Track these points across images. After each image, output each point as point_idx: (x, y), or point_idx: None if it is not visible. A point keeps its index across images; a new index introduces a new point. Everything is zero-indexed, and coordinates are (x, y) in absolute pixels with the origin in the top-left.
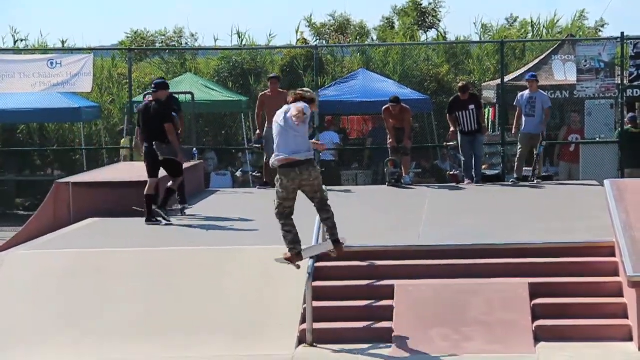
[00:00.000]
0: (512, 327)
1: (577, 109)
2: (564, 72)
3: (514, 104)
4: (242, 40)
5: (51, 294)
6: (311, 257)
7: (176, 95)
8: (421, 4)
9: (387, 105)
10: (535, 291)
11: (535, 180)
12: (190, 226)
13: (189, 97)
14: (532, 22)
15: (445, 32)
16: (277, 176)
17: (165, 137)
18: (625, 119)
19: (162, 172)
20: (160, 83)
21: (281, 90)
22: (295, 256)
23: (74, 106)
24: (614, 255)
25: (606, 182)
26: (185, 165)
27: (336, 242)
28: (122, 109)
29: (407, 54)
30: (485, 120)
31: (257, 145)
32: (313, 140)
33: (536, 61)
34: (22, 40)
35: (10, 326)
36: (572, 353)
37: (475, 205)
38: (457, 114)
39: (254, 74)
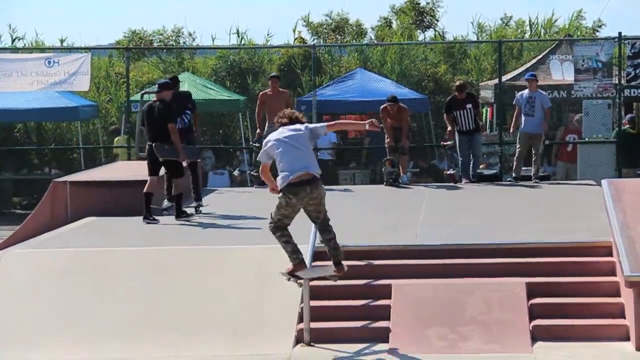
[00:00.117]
0: (509, 326)
1: (575, 108)
2: (561, 72)
3: (513, 103)
4: (241, 40)
5: (49, 293)
6: (311, 279)
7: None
8: (419, 4)
9: (384, 105)
10: (533, 291)
11: (533, 180)
12: (187, 225)
13: None
14: (529, 21)
15: (443, 32)
16: (283, 195)
17: (169, 138)
18: (624, 120)
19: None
20: (163, 83)
21: (282, 89)
22: (299, 265)
23: (72, 105)
24: (611, 255)
25: (603, 182)
26: (185, 164)
27: (339, 264)
28: (119, 108)
29: (405, 53)
30: (483, 119)
31: (256, 145)
32: (370, 120)
33: (534, 61)
34: (19, 39)
35: (8, 325)
36: (569, 353)
37: (473, 204)
38: (455, 113)
39: (252, 73)
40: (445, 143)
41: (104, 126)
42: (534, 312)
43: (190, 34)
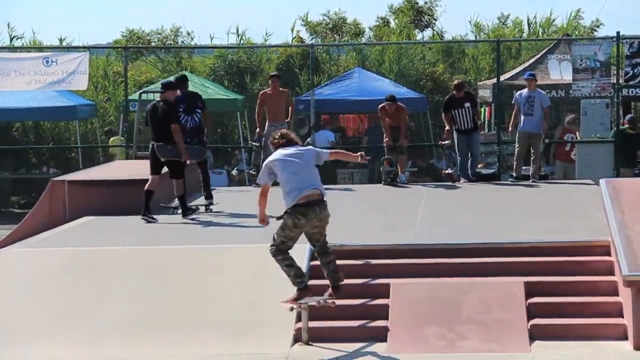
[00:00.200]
0: (507, 326)
1: (573, 108)
2: (559, 72)
3: (512, 102)
4: (240, 39)
5: (47, 292)
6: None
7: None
8: (417, 3)
9: (383, 104)
10: (531, 290)
11: (532, 180)
12: (185, 224)
13: None
14: (528, 20)
15: (441, 32)
16: (290, 215)
17: (172, 138)
18: (624, 120)
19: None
20: (167, 83)
21: (282, 89)
22: (304, 291)
23: (70, 104)
24: (609, 254)
25: (602, 181)
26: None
27: (337, 288)
28: (117, 107)
29: (403, 53)
30: (481, 118)
31: (256, 144)
32: (360, 153)
33: (532, 60)
34: (18, 38)
35: (7, 324)
36: (567, 352)
37: (471, 204)
38: (453, 112)
39: (250, 73)
40: (443, 142)
41: (102, 125)
42: (532, 312)
43: (188, 33)
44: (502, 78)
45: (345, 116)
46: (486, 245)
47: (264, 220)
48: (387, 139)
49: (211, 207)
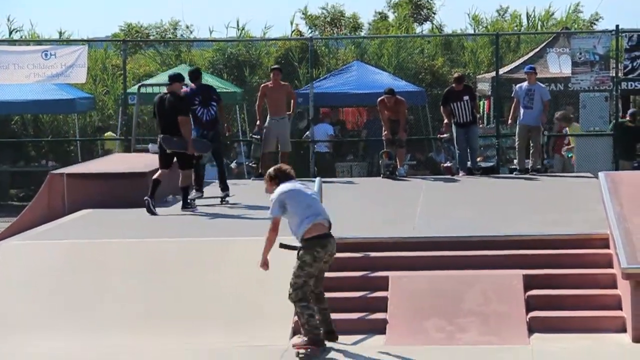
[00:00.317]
0: (506, 318)
1: (572, 101)
2: (558, 65)
3: (512, 95)
4: (240, 32)
5: (46, 285)
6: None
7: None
8: None
9: (382, 97)
10: (530, 283)
11: (530, 173)
12: (185, 217)
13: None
14: (527, 13)
15: (440, 25)
16: (307, 250)
17: (179, 130)
18: (622, 113)
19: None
20: (173, 75)
21: (283, 82)
22: (320, 342)
23: (69, 97)
24: (608, 247)
25: (601, 174)
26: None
27: (332, 332)
28: (116, 100)
29: (402, 46)
30: (480, 112)
31: (256, 137)
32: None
33: (531, 54)
34: (17, 31)
35: (5, 316)
36: (566, 344)
37: (470, 197)
38: (452, 105)
39: (249, 66)
40: (442, 136)
41: (101, 118)
42: (531, 304)
43: (187, 27)
44: (501, 71)
45: (344, 109)
46: (485, 238)
47: (266, 264)
48: (386, 132)
49: (227, 199)
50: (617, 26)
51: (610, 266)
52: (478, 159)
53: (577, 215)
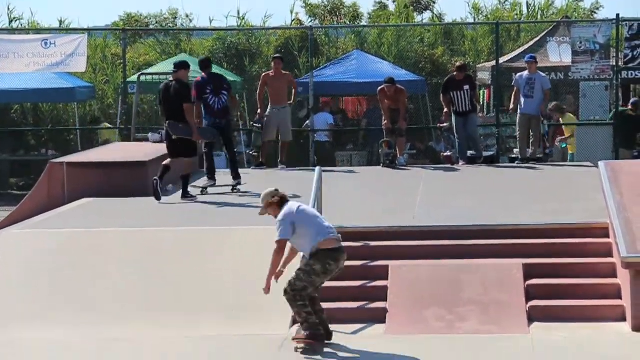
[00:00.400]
0: (506, 307)
1: (572, 90)
2: (559, 54)
3: (512, 84)
4: (241, 21)
5: (46, 274)
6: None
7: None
8: None
9: (382, 86)
10: (529, 272)
11: (530, 162)
12: (184, 206)
13: None
14: (527, 2)
15: (440, 14)
16: (319, 260)
17: (184, 117)
18: (623, 102)
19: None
20: (179, 63)
21: (284, 71)
22: (320, 337)
23: (68, 86)
24: (607, 236)
25: (600, 163)
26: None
27: (328, 333)
28: (116, 89)
29: (402, 35)
30: (480, 101)
31: (257, 125)
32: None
33: (531, 43)
34: (16, 20)
35: (5, 304)
36: (566, 333)
37: (470, 186)
38: (452, 93)
39: (249, 55)
40: (441, 125)
41: (101, 107)
42: (531, 293)
43: (187, 16)
44: (501, 60)
45: (344, 99)
46: (485, 227)
47: (269, 288)
48: (386, 121)
49: (239, 187)
50: (618, 15)
51: (610, 255)
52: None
53: (577, 204)
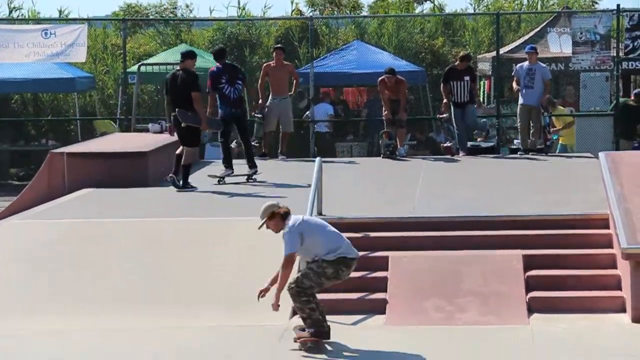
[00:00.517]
0: (506, 298)
1: (572, 81)
2: (559, 45)
3: (512, 74)
4: (241, 12)
5: (46, 264)
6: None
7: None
8: None
9: (382, 77)
10: (529, 263)
11: (531, 153)
12: (184, 197)
13: None
14: None
15: (440, 4)
16: (332, 264)
17: (191, 106)
18: (623, 93)
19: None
20: (186, 52)
21: (285, 62)
22: (325, 333)
23: (68, 76)
24: (608, 227)
25: (601, 154)
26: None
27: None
28: (116, 79)
29: (402, 25)
30: (480, 93)
31: (258, 115)
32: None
33: (531, 33)
34: (16, 10)
35: (5, 295)
36: (566, 324)
37: (470, 177)
38: (452, 83)
39: (249, 46)
40: (441, 116)
41: (101, 98)
42: (531, 284)
43: (187, 6)
44: (501, 51)
45: (344, 89)
46: (485, 218)
47: (278, 305)
48: (386, 112)
49: (254, 176)
50: (618, 5)
51: (610, 246)
52: (478, 139)
53: (577, 195)
